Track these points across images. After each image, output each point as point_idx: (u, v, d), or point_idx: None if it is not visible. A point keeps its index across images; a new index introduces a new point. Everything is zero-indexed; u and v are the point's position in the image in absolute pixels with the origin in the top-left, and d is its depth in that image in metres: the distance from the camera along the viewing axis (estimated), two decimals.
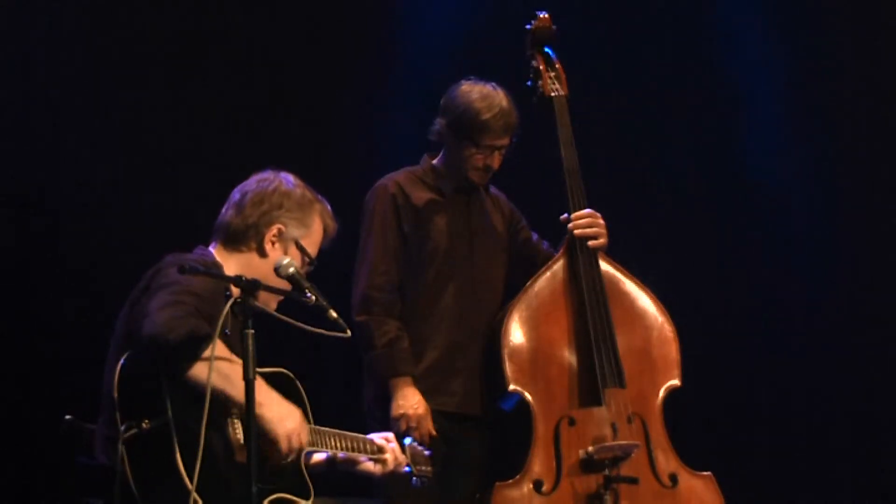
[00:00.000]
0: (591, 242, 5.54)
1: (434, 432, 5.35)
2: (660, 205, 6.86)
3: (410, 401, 5.33)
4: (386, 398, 5.36)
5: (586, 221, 5.56)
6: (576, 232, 5.54)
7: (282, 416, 4.24)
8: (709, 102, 6.89)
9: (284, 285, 4.42)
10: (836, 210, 6.73)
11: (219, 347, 4.12)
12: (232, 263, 4.52)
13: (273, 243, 4.54)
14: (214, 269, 4.41)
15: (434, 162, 5.59)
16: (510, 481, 5.34)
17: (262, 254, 4.54)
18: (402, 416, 5.31)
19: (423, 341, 5.44)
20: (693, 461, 5.50)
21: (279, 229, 4.54)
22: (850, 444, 6.61)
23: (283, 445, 4.24)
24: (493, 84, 5.50)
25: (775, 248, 6.79)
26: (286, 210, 4.55)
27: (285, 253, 4.53)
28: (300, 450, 4.30)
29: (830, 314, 6.69)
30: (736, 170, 6.85)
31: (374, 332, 5.36)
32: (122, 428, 4.10)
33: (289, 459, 4.29)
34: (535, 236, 5.75)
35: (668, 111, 6.89)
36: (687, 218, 6.81)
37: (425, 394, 5.38)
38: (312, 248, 4.60)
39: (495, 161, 5.51)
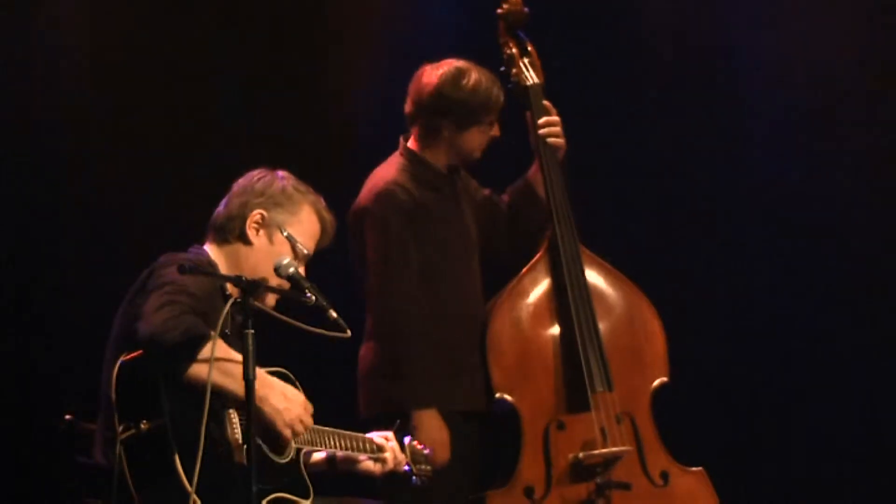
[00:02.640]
0: (551, 140, 5.53)
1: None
2: (645, 195, 6.79)
3: (439, 432, 5.23)
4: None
5: (557, 129, 5.54)
6: (549, 140, 5.51)
7: (280, 408, 4.24)
8: (700, 91, 6.79)
9: (284, 285, 4.42)
10: (834, 206, 6.71)
11: (218, 345, 4.11)
12: (222, 257, 4.53)
13: (256, 230, 4.52)
14: (210, 269, 4.41)
15: (419, 151, 5.47)
16: (501, 490, 5.33)
17: (246, 241, 4.52)
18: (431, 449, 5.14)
19: (433, 343, 5.34)
20: (683, 457, 5.51)
21: (261, 214, 4.52)
22: (844, 440, 6.60)
23: (286, 434, 4.26)
24: (458, 61, 5.43)
25: (767, 241, 6.77)
26: (268, 197, 4.54)
27: (270, 240, 4.52)
28: (307, 430, 4.33)
29: (825, 308, 6.67)
30: (728, 161, 6.79)
31: (408, 355, 5.26)
32: (120, 429, 4.10)
33: (300, 441, 4.35)
34: (487, 193, 5.68)
35: (651, 96, 6.80)
36: (675, 209, 6.75)
37: (437, 395, 5.30)
38: (304, 239, 4.56)
39: (497, 129, 5.47)
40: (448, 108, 5.40)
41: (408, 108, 5.49)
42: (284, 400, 4.26)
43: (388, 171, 5.45)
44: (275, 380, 4.30)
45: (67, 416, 4.44)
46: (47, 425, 4.62)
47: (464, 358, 5.41)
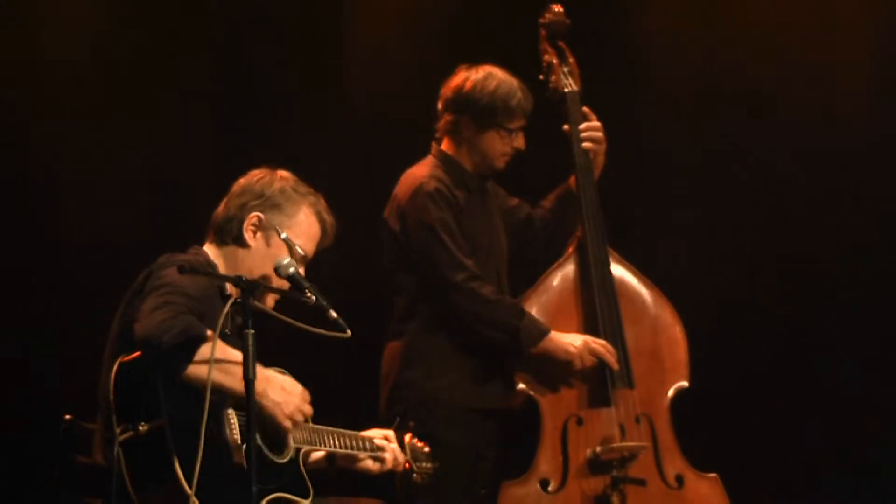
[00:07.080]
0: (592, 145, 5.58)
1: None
2: (671, 204, 6.81)
3: (574, 340, 5.37)
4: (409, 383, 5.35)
5: (599, 135, 5.58)
6: (584, 145, 5.56)
7: (280, 401, 4.25)
8: (726, 93, 6.80)
9: (284, 285, 4.41)
10: (844, 205, 6.68)
11: (217, 345, 4.11)
12: (221, 258, 4.52)
13: (254, 232, 4.50)
14: (209, 269, 4.41)
15: (448, 152, 5.51)
16: (517, 480, 5.37)
17: (243, 244, 4.50)
18: (578, 355, 5.36)
19: (463, 345, 5.38)
20: (699, 462, 5.51)
21: (258, 217, 4.50)
22: (855, 446, 6.58)
23: (287, 426, 4.28)
24: (491, 67, 5.46)
25: (783, 245, 6.74)
26: (266, 199, 4.51)
27: (267, 242, 4.50)
28: (307, 418, 4.36)
29: (841, 313, 6.64)
30: (749, 167, 6.79)
31: (507, 309, 5.35)
32: (119, 430, 4.10)
33: (299, 440, 4.39)
34: (516, 201, 5.71)
35: (683, 104, 6.80)
36: (698, 214, 6.75)
37: (472, 393, 5.35)
38: (303, 241, 4.53)
39: (522, 141, 5.47)
40: (466, 104, 5.43)
41: (438, 105, 5.53)
42: (283, 392, 4.27)
43: (422, 169, 5.49)
44: (272, 373, 4.30)
45: (67, 416, 4.43)
46: (47, 425, 4.61)
47: (487, 356, 5.40)
